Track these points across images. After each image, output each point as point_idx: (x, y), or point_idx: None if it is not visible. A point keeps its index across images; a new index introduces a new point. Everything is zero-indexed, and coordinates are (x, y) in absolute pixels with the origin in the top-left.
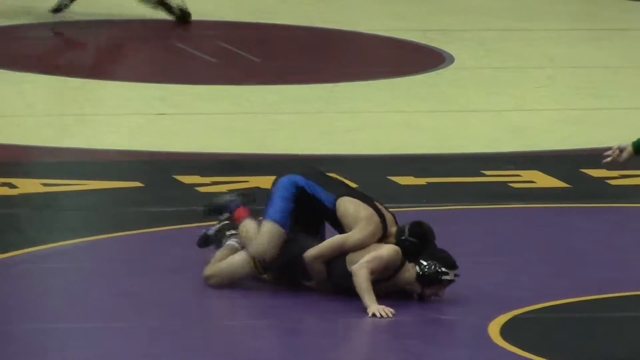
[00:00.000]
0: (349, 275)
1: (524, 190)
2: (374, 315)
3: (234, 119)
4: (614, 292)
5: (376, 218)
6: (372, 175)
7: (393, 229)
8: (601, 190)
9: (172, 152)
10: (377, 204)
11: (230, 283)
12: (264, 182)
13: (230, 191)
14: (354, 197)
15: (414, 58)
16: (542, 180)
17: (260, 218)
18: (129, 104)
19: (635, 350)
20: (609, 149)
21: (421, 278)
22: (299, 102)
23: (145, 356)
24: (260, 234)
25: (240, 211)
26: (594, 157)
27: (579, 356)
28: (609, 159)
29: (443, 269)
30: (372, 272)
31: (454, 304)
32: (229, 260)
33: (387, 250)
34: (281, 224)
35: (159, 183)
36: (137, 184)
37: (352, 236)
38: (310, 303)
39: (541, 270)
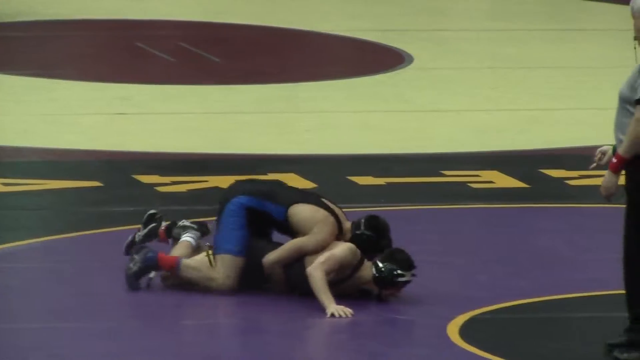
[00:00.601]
0: (307, 278)
1: (483, 191)
2: (332, 315)
3: (194, 119)
4: (573, 292)
5: (331, 218)
6: (331, 175)
7: (347, 224)
8: (560, 191)
9: (132, 152)
10: (324, 200)
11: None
12: (224, 182)
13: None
14: (303, 202)
15: (374, 58)
16: (501, 180)
17: (210, 248)
18: (88, 104)
19: (593, 351)
20: (569, 149)
21: (377, 280)
22: (259, 102)
23: (103, 356)
24: (220, 268)
25: (165, 261)
26: (553, 157)
27: (537, 357)
28: (594, 164)
29: (399, 271)
30: (328, 272)
31: (413, 304)
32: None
33: (341, 249)
34: (238, 254)
35: (118, 183)
36: (97, 183)
37: (311, 239)
38: (269, 303)
39: (500, 271)
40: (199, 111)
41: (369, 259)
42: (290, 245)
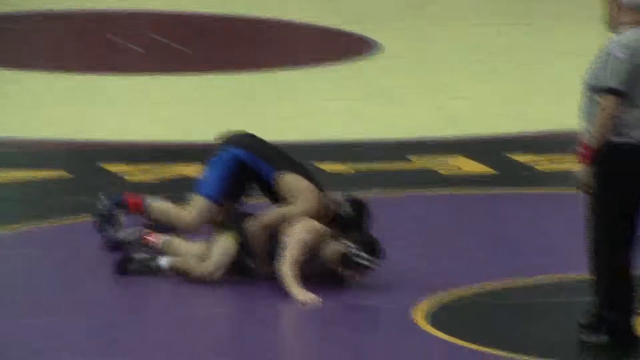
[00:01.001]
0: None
1: (451, 176)
2: (300, 302)
3: (164, 109)
4: (542, 277)
5: (316, 192)
6: (299, 162)
7: (330, 203)
8: (528, 176)
9: (99, 141)
10: (313, 178)
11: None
12: (194, 171)
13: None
14: (294, 171)
15: (344, 46)
16: (468, 166)
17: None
18: (58, 94)
19: (564, 335)
20: (537, 133)
21: (341, 258)
22: (229, 91)
23: (77, 351)
24: (192, 208)
25: (131, 201)
26: (521, 142)
27: (506, 342)
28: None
29: (363, 254)
30: (299, 258)
31: (380, 290)
32: (220, 247)
33: (305, 230)
34: (215, 201)
35: (86, 172)
36: (64, 173)
37: (295, 209)
38: (236, 289)
39: (468, 256)
40: (169, 101)
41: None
42: (276, 212)
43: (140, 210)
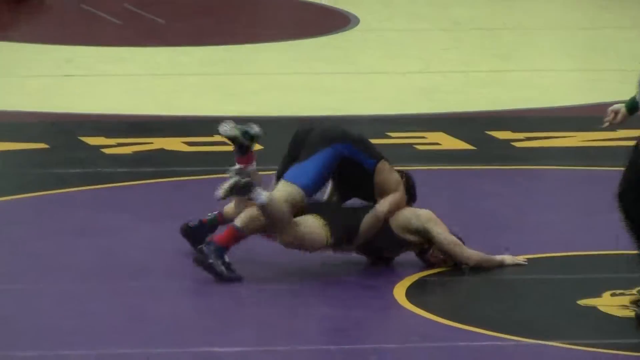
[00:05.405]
0: (396, 240)
1: (430, 152)
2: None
3: (139, 81)
4: (518, 254)
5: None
6: (276, 137)
7: None
8: (507, 152)
9: (78, 114)
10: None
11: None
12: (169, 143)
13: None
14: (384, 159)
15: (319, 20)
16: (447, 142)
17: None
18: (34, 66)
19: (537, 312)
20: (515, 110)
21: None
22: (204, 63)
23: (51, 318)
24: (280, 191)
25: (226, 240)
26: (500, 119)
27: (483, 318)
28: (606, 123)
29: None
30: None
31: (359, 267)
32: (315, 223)
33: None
34: (307, 189)
35: (64, 144)
36: (42, 145)
37: (401, 195)
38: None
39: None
40: (144, 73)
41: None
42: (391, 201)
43: (239, 238)
